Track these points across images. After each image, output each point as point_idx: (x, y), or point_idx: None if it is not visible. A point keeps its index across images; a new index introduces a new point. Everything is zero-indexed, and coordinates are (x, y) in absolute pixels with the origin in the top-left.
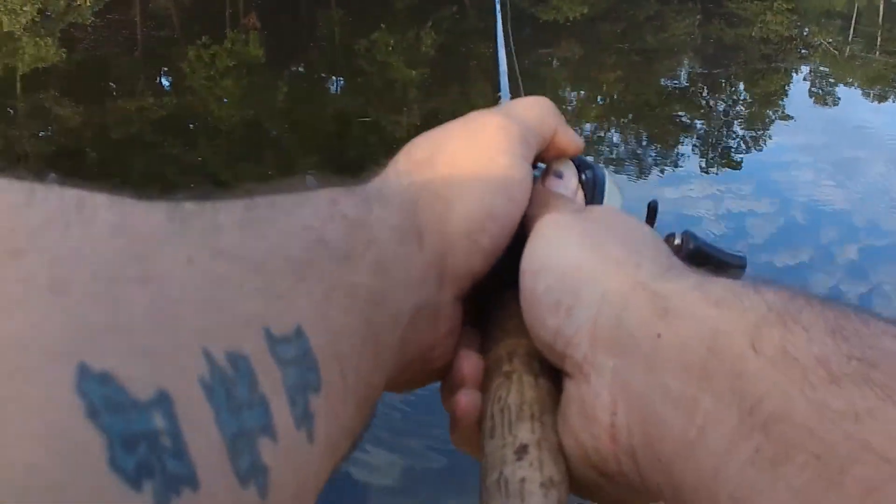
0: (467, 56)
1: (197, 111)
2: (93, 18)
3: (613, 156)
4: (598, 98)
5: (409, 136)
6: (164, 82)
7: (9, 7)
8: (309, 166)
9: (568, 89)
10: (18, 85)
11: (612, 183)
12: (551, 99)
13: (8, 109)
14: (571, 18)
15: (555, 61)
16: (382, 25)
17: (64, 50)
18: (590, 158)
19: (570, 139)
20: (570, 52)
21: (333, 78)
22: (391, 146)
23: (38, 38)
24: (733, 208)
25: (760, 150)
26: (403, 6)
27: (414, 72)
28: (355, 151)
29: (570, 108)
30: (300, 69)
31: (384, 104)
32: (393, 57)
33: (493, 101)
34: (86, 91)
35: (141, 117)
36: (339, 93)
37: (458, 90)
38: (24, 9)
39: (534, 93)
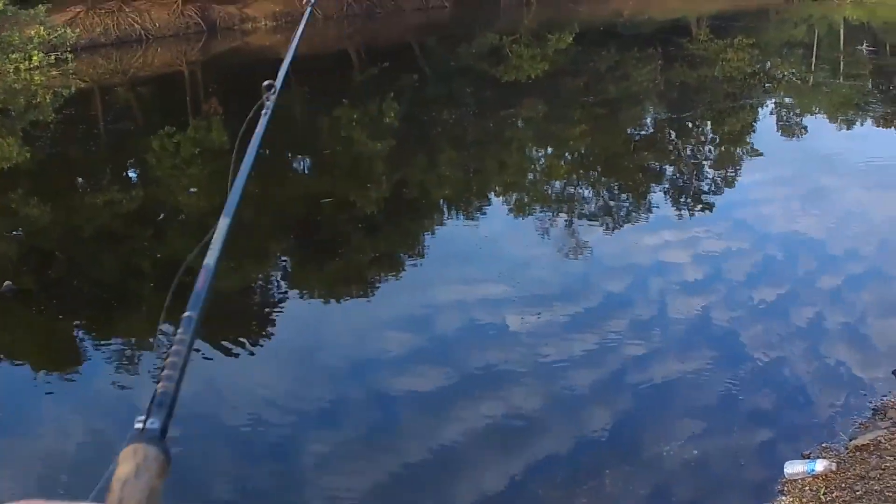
0: (432, 124)
1: (165, 201)
2: (53, 115)
3: (585, 211)
4: (566, 154)
5: (380, 210)
6: (131, 174)
7: None
8: (281, 251)
9: (534, 148)
10: None
11: None
12: (517, 160)
13: None
14: (532, 77)
15: (519, 121)
16: (344, 101)
17: (27, 148)
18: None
19: None
20: (533, 110)
21: (299, 157)
22: (362, 222)
23: (0, 138)
24: (711, 249)
25: (732, 189)
26: (363, 78)
27: (379, 144)
28: (326, 232)
29: (538, 167)
30: (266, 151)
31: (352, 180)
32: (357, 131)
33: (461, 168)
34: (52, 188)
35: (110, 211)
36: (306, 172)
37: (425, 159)
38: None
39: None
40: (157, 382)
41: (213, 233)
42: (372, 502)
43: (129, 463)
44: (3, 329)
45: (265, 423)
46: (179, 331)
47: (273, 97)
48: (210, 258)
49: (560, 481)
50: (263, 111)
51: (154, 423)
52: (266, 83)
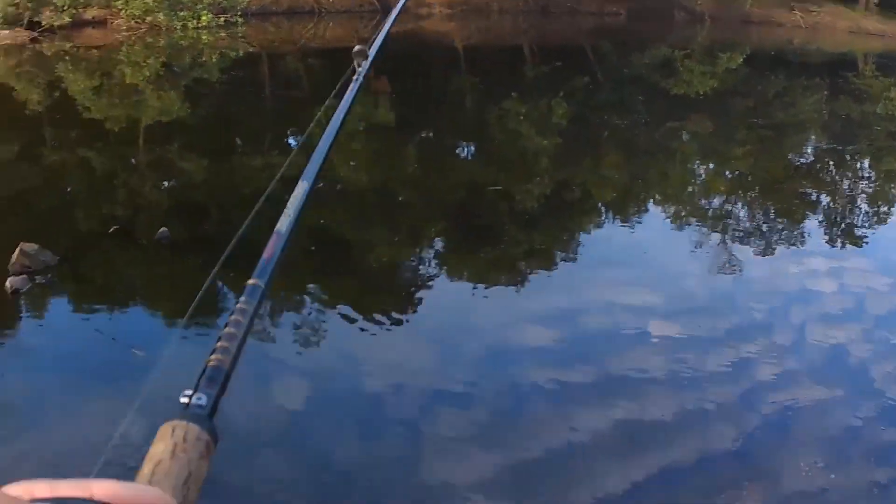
0: (599, 127)
1: (325, 172)
2: (219, 74)
3: (739, 231)
4: (727, 172)
5: (539, 205)
6: (292, 141)
7: (132, 60)
8: (437, 233)
9: (697, 163)
10: (141, 137)
11: None
12: (679, 172)
13: (126, 161)
14: (701, 93)
15: (685, 134)
16: (514, 94)
17: (189, 104)
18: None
19: None
20: (699, 125)
21: (465, 144)
22: (521, 215)
23: (162, 92)
24: (856, 284)
25: (885, 227)
26: (534, 75)
27: (545, 141)
28: (484, 219)
29: (699, 182)
30: (430, 135)
31: (515, 172)
32: (524, 126)
33: (624, 173)
34: (211, 146)
35: (268, 175)
36: (468, 159)
37: (589, 161)
38: (148, 62)
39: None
40: (211, 354)
41: (290, 198)
42: (484, 492)
43: (166, 441)
44: (154, 274)
45: (393, 395)
46: (242, 299)
47: (366, 64)
48: (283, 224)
49: (676, 492)
50: (355, 77)
51: (201, 400)
52: (357, 48)
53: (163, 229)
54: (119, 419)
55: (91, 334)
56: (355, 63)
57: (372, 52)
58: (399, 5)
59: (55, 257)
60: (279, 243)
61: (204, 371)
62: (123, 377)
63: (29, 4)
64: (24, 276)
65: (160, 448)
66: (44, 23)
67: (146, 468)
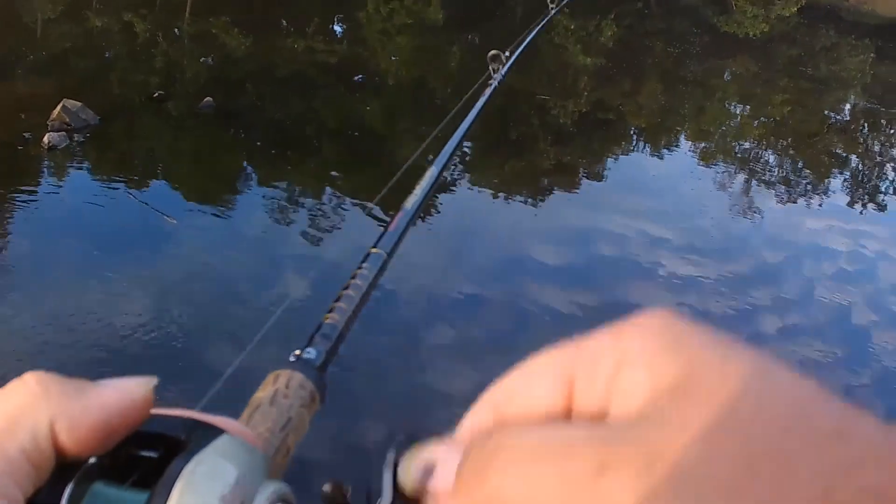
0: (644, 53)
1: (366, 63)
2: None
3: (766, 177)
4: (762, 118)
5: (573, 123)
6: (337, 29)
7: None
8: (467, 135)
9: (735, 103)
10: (188, 7)
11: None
12: (716, 110)
13: (171, 29)
14: (751, 34)
15: (727, 73)
16: (566, 9)
17: None
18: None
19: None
20: (743, 67)
21: (507, 52)
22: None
23: None
24: (872, 248)
25: None
26: None
27: (589, 59)
28: (515, 128)
29: (733, 122)
30: (476, 38)
31: (553, 86)
32: (570, 41)
33: (661, 103)
34: (256, 24)
35: (308, 59)
36: (510, 66)
37: (628, 86)
38: None
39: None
40: (327, 313)
41: (421, 180)
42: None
43: (269, 388)
44: (195, 144)
45: (395, 295)
46: (364, 265)
47: (503, 70)
48: (409, 202)
49: None
50: (491, 82)
51: (310, 354)
52: (492, 53)
53: (207, 99)
54: (136, 294)
55: (123, 199)
56: (490, 68)
57: (510, 60)
58: (547, 18)
59: (96, 117)
60: (404, 218)
61: (319, 329)
62: (152, 246)
63: None
64: (64, 132)
65: (261, 394)
66: None
67: (245, 413)
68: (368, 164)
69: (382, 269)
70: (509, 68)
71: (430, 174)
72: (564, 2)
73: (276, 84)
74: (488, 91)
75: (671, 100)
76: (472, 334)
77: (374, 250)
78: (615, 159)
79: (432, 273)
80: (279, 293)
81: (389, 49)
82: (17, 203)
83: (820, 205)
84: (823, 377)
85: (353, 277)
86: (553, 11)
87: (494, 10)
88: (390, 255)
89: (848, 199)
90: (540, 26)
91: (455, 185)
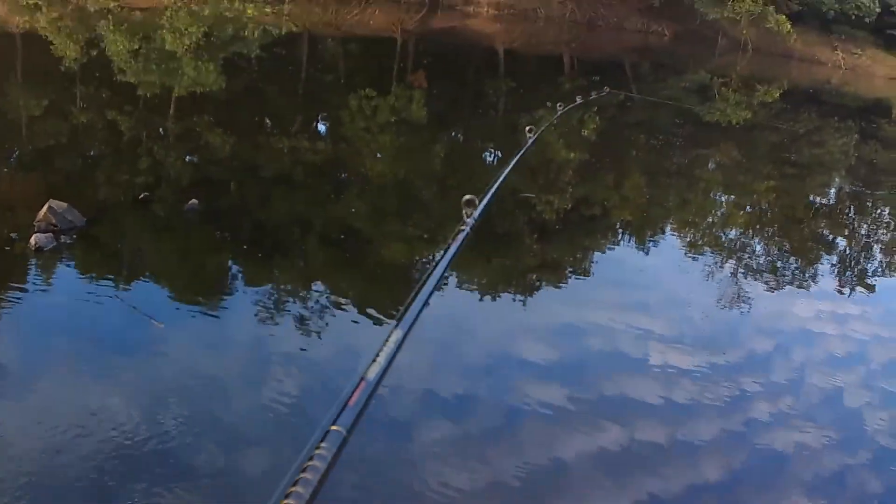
0: (627, 146)
1: (350, 162)
2: (258, 51)
3: (753, 265)
4: (748, 206)
5: (557, 219)
6: (321, 127)
7: (174, 26)
8: (453, 234)
9: (720, 192)
10: (172, 106)
11: None
12: (701, 200)
13: (157, 129)
14: (734, 122)
15: (711, 163)
16: (548, 104)
17: (224, 77)
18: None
19: None
20: (727, 156)
21: (491, 148)
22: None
23: (199, 62)
24: (861, 331)
25: (894, 277)
26: (571, 87)
27: (572, 154)
28: (500, 225)
29: (719, 212)
30: (459, 135)
31: (537, 182)
32: (553, 136)
33: (646, 195)
34: (239, 122)
35: (292, 158)
36: (494, 163)
37: (612, 179)
38: (190, 30)
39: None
40: (284, 498)
41: (381, 347)
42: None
43: None
44: (182, 246)
45: (383, 394)
46: (322, 445)
47: (475, 214)
48: (372, 371)
49: None
50: (463, 227)
51: None
52: (466, 198)
53: (193, 201)
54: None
55: (111, 302)
56: (464, 213)
57: (482, 203)
58: (521, 152)
59: (83, 218)
60: (366, 390)
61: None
62: (140, 349)
63: None
64: (51, 234)
65: None
66: None
67: None
68: (354, 266)
69: (342, 448)
70: (484, 209)
71: (395, 338)
72: (542, 130)
73: (261, 184)
74: (461, 236)
75: (656, 192)
76: (465, 433)
77: (333, 428)
78: (602, 254)
79: (422, 374)
80: (268, 398)
81: (373, 147)
82: (4, 304)
83: (808, 290)
84: (818, 460)
85: (311, 459)
86: (530, 142)
87: (477, 106)
88: (350, 431)
89: (836, 282)
90: (517, 158)
91: (442, 284)
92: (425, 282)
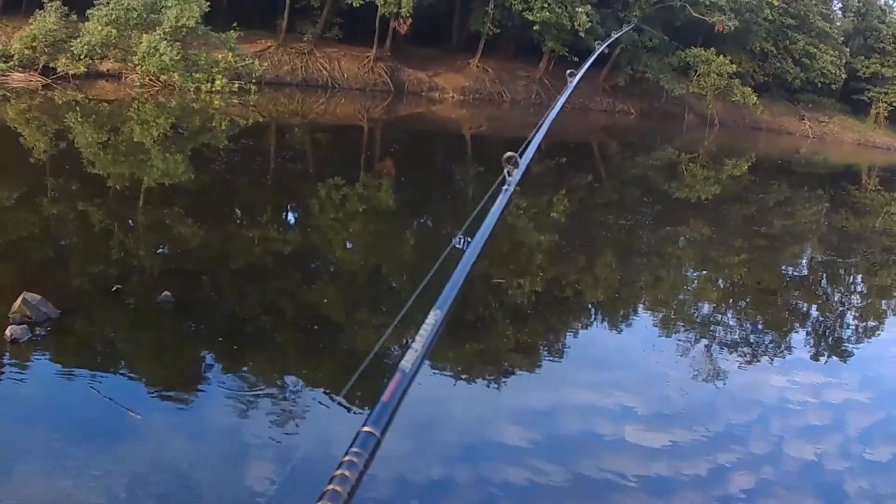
0: (597, 226)
1: (320, 251)
2: (226, 142)
3: (727, 339)
4: (720, 280)
5: (529, 302)
6: (290, 217)
7: (142, 117)
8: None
9: (691, 269)
10: (141, 197)
11: None
12: (672, 277)
13: (127, 220)
14: (703, 198)
15: (682, 239)
16: (518, 188)
17: (193, 169)
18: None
19: None
20: (697, 232)
21: (460, 234)
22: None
23: (167, 154)
24: (837, 399)
25: (871, 343)
26: (539, 169)
27: (543, 236)
28: (472, 311)
29: (691, 288)
30: (429, 222)
31: (508, 266)
32: (523, 220)
33: (617, 275)
34: (209, 213)
35: (262, 249)
36: (464, 249)
37: (583, 260)
38: (158, 121)
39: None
40: (318, 500)
41: (417, 337)
42: None
43: None
44: (156, 338)
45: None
46: (353, 448)
47: (517, 173)
48: (408, 361)
49: None
50: (504, 187)
51: None
52: (507, 155)
53: (165, 293)
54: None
55: (87, 393)
56: (505, 171)
57: (524, 161)
58: (564, 96)
59: (56, 310)
60: (402, 383)
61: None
62: (117, 440)
63: (46, 49)
64: (25, 325)
65: None
66: (59, 69)
67: None
68: (327, 355)
69: (376, 449)
70: (526, 165)
71: (434, 319)
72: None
73: (233, 274)
74: (503, 198)
75: (627, 271)
76: None
77: (365, 429)
78: (574, 335)
79: (398, 460)
80: (243, 489)
81: (343, 236)
82: None
83: (783, 361)
84: None
85: (342, 466)
86: (571, 85)
87: (445, 191)
88: (384, 432)
89: (811, 352)
90: (559, 105)
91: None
92: (463, 258)
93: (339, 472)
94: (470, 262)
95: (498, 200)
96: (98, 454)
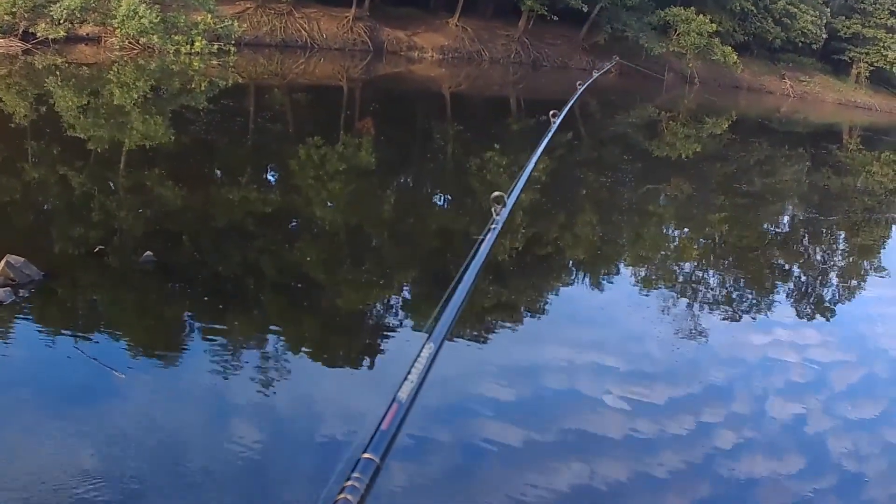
0: (578, 184)
1: (301, 210)
2: (206, 103)
3: (707, 297)
4: (701, 238)
5: (510, 259)
6: (271, 177)
7: (122, 80)
8: (406, 280)
9: (672, 227)
10: (123, 160)
11: None
12: (653, 235)
13: (109, 183)
14: (683, 156)
15: (662, 197)
16: (496, 146)
17: (173, 131)
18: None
19: None
20: (678, 189)
21: (440, 193)
22: (491, 268)
23: (147, 116)
24: (819, 357)
25: (852, 301)
26: (518, 128)
27: (523, 195)
28: (452, 269)
29: (671, 246)
30: (409, 181)
31: (487, 224)
32: (503, 178)
33: (598, 232)
34: (190, 175)
35: (243, 209)
36: (444, 207)
37: (564, 218)
38: (137, 84)
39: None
40: None
41: (412, 366)
42: None
43: None
44: (138, 298)
45: (344, 442)
46: (353, 475)
47: (504, 212)
48: (404, 391)
49: None
50: (492, 226)
51: None
52: (495, 195)
53: (147, 253)
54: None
55: (72, 353)
56: (493, 210)
57: (510, 200)
58: (540, 147)
59: (40, 272)
60: (399, 412)
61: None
62: (102, 400)
63: (26, 14)
64: (9, 288)
65: None
66: (38, 35)
67: None
68: (310, 314)
69: (375, 477)
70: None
71: (427, 352)
72: (564, 113)
73: (214, 235)
74: (491, 237)
75: (608, 229)
76: (425, 475)
77: (365, 456)
78: (555, 293)
79: (377, 419)
80: (228, 448)
81: (324, 196)
82: None
83: (766, 319)
84: (785, 488)
85: (342, 492)
86: (554, 126)
87: (425, 150)
88: (383, 459)
89: (794, 310)
90: (542, 146)
91: (394, 332)
92: (454, 290)
93: (341, 496)
94: (461, 297)
95: (487, 238)
96: (83, 414)
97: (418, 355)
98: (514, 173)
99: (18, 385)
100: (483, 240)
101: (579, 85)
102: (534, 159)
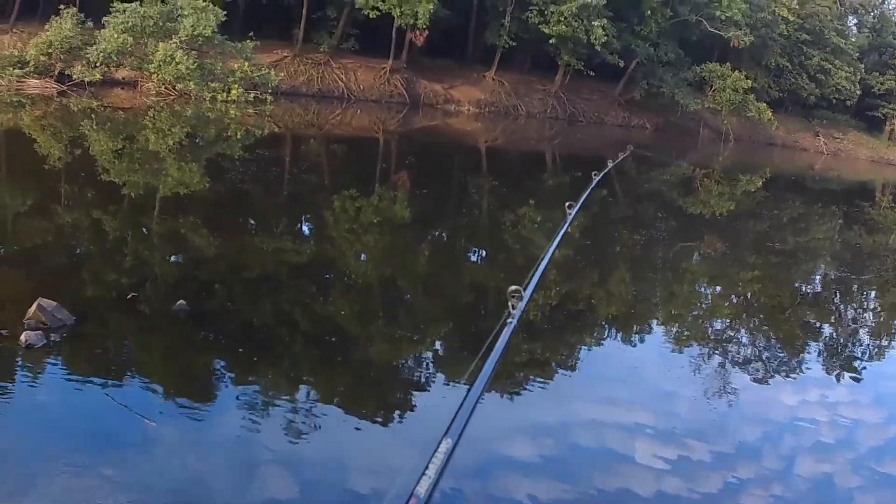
0: (612, 241)
1: (335, 262)
2: (242, 152)
3: (740, 356)
4: (733, 297)
5: (543, 316)
6: (305, 228)
7: (157, 126)
8: (440, 335)
9: (705, 285)
10: (157, 206)
11: None
12: (686, 293)
13: (142, 229)
14: (717, 213)
15: (696, 255)
16: (531, 201)
17: (208, 178)
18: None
19: None
20: (711, 247)
21: (475, 247)
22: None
23: (183, 163)
24: (849, 416)
25: (883, 361)
26: (553, 183)
27: (557, 251)
28: (486, 324)
29: (705, 304)
30: (443, 235)
31: (522, 281)
32: (538, 234)
33: (631, 290)
34: (224, 223)
35: (277, 259)
36: (479, 262)
37: (597, 275)
38: (173, 130)
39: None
40: None
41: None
42: None
43: None
44: (170, 347)
45: (374, 499)
46: None
47: (521, 305)
48: (422, 487)
49: None
50: (509, 320)
51: None
52: (512, 289)
53: (180, 302)
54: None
55: (102, 400)
56: (510, 304)
57: (527, 292)
58: (556, 240)
59: (72, 317)
60: None
61: None
62: (131, 448)
63: (62, 56)
64: (40, 332)
65: None
66: (74, 76)
67: None
68: (342, 367)
69: None
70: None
71: (445, 447)
72: (580, 203)
73: (247, 285)
74: (507, 331)
75: (641, 287)
76: None
77: None
78: (588, 349)
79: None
80: (257, 500)
81: (358, 248)
82: None
83: (796, 378)
84: None
85: None
86: (570, 217)
87: (461, 204)
88: None
89: (824, 369)
90: (560, 236)
91: (426, 386)
92: (472, 386)
93: None
94: (478, 392)
95: (503, 333)
96: (112, 461)
97: (436, 450)
98: (549, 230)
99: (48, 429)
100: (499, 333)
101: (595, 175)
102: (550, 249)
